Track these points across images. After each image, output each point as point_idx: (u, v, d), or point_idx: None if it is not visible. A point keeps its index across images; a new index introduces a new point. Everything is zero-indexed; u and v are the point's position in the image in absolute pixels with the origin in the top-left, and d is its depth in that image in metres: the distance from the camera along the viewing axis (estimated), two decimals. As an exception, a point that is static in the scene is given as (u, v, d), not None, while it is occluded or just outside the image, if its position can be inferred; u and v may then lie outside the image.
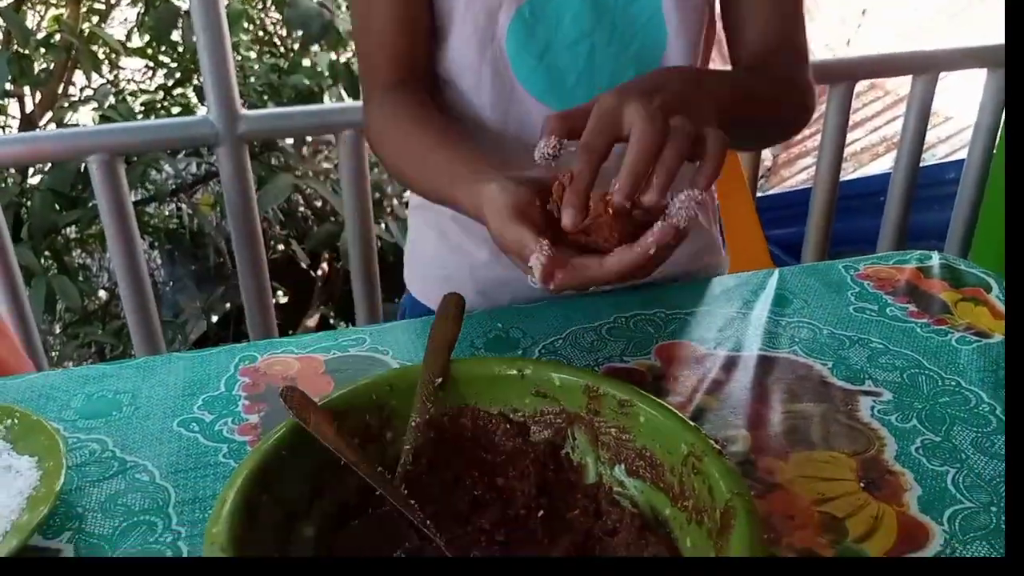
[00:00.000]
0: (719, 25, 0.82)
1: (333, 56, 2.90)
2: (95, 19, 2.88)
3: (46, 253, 2.58)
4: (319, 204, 3.39)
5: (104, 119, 2.54)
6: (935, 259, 0.89)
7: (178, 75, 2.98)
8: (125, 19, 3.14)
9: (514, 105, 0.78)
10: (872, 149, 3.70)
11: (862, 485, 0.58)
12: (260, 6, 3.14)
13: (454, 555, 0.49)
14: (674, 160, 0.53)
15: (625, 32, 0.75)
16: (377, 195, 2.97)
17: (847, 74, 1.56)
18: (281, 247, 3.31)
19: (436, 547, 0.49)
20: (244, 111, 1.32)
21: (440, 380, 0.56)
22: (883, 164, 3.57)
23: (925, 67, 1.58)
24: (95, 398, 0.67)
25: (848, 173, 3.37)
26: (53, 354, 2.94)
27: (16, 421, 0.60)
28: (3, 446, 0.58)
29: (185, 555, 0.53)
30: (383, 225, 2.94)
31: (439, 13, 0.77)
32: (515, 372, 0.57)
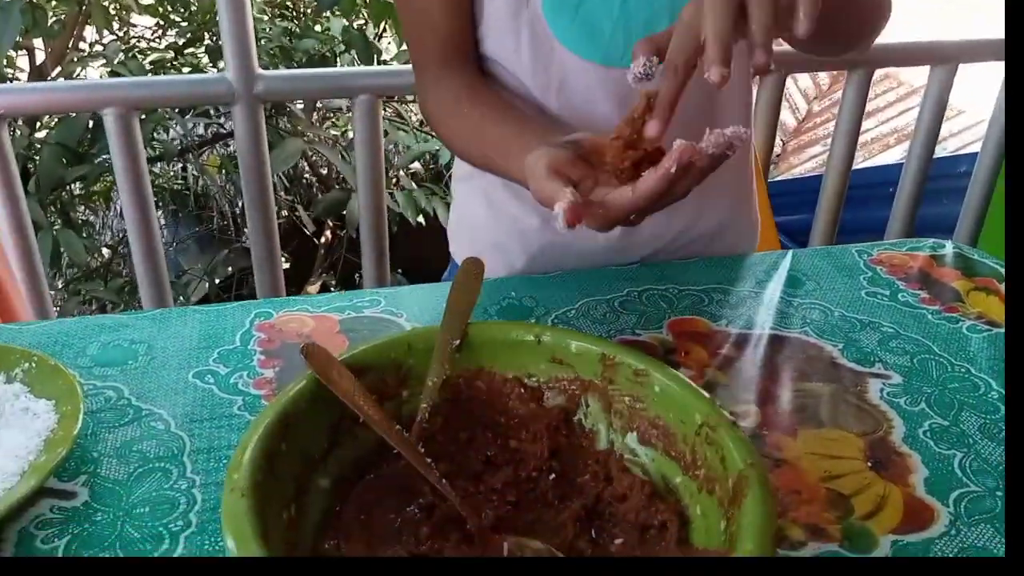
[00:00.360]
0: None
1: (345, 22, 2.88)
2: (107, -27, 2.86)
3: (52, 208, 2.57)
4: (324, 171, 3.38)
5: (114, 75, 2.52)
6: (948, 247, 0.89)
7: (189, 35, 2.96)
8: (137, -25, 3.11)
9: (554, 65, 0.78)
10: (883, 140, 3.68)
11: (869, 464, 0.59)
12: (275, -32, 3.12)
13: (466, 513, 0.49)
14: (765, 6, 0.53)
15: None
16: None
17: (865, 61, 1.55)
18: (285, 213, 3.31)
19: (449, 504, 0.49)
20: (261, 71, 1.31)
21: (458, 342, 0.56)
22: (892, 155, 3.56)
23: (945, 57, 1.57)
24: (111, 346, 0.68)
25: (857, 162, 3.36)
26: (55, 309, 2.94)
27: (34, 365, 0.60)
28: (21, 389, 0.59)
29: (199, 502, 0.53)
30: (389, 195, 2.93)
31: None
32: (532, 338, 0.57)
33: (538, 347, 0.57)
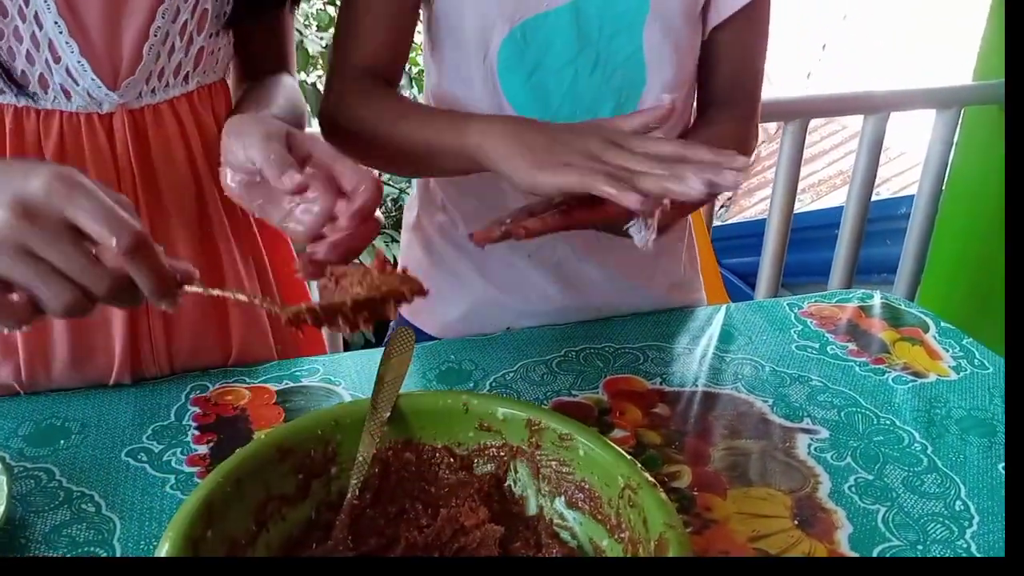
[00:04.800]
0: None
1: (303, 76, 2.91)
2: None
3: None
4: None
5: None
6: (876, 298, 0.92)
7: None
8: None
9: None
10: (830, 181, 3.79)
11: (796, 522, 0.60)
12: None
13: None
14: None
15: (607, 64, 0.78)
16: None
17: (801, 112, 1.61)
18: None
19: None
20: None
21: (387, 414, 0.57)
22: (840, 196, 3.66)
23: (876, 107, 1.63)
24: (44, 426, 0.67)
25: (805, 204, 3.45)
26: None
27: (-40, 450, 0.59)
28: (-54, 475, 0.58)
29: (127, 587, 0.53)
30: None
31: (436, 22, 0.79)
32: (460, 405, 0.58)
33: (466, 415, 0.58)
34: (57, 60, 0.65)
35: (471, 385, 0.75)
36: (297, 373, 0.76)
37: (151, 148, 0.70)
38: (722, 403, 0.73)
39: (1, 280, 0.44)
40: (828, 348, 0.82)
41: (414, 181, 1.38)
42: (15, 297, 0.45)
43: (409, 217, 0.95)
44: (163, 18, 0.67)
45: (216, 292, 0.50)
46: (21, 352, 0.70)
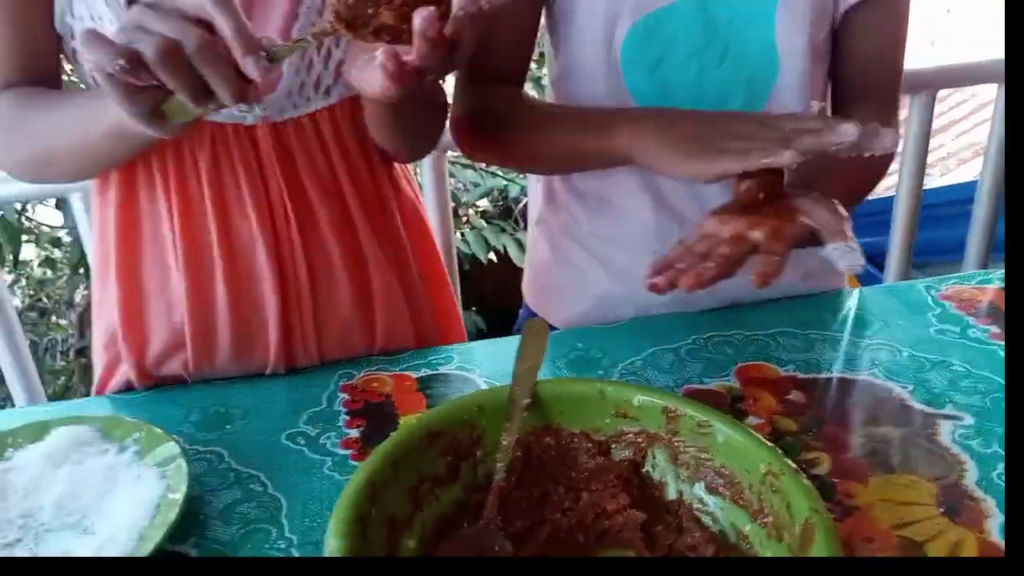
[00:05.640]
0: None
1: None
2: None
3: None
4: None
5: None
6: (1021, 279, 0.88)
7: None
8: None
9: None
10: (959, 154, 3.59)
11: (942, 511, 0.59)
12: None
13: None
14: None
15: (736, 56, 0.78)
16: (453, 204, 3.02)
17: (927, 83, 1.53)
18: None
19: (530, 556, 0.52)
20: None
21: (528, 401, 0.59)
22: (972, 169, 3.46)
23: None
24: (210, 412, 0.73)
25: (933, 180, 3.28)
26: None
27: (143, 435, 0.66)
28: (132, 458, 0.64)
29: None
30: (460, 234, 2.99)
31: (559, 18, 0.81)
32: (596, 393, 0.60)
33: (602, 402, 0.60)
34: None
35: (600, 373, 0.77)
36: (434, 361, 0.80)
37: (296, 159, 0.75)
38: (859, 389, 0.72)
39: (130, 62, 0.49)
40: (969, 331, 0.79)
41: (530, 177, 1.41)
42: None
43: (533, 214, 0.97)
44: (299, 33, 0.71)
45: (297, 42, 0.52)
46: (189, 346, 0.77)
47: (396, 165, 0.84)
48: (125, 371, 0.79)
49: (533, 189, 0.99)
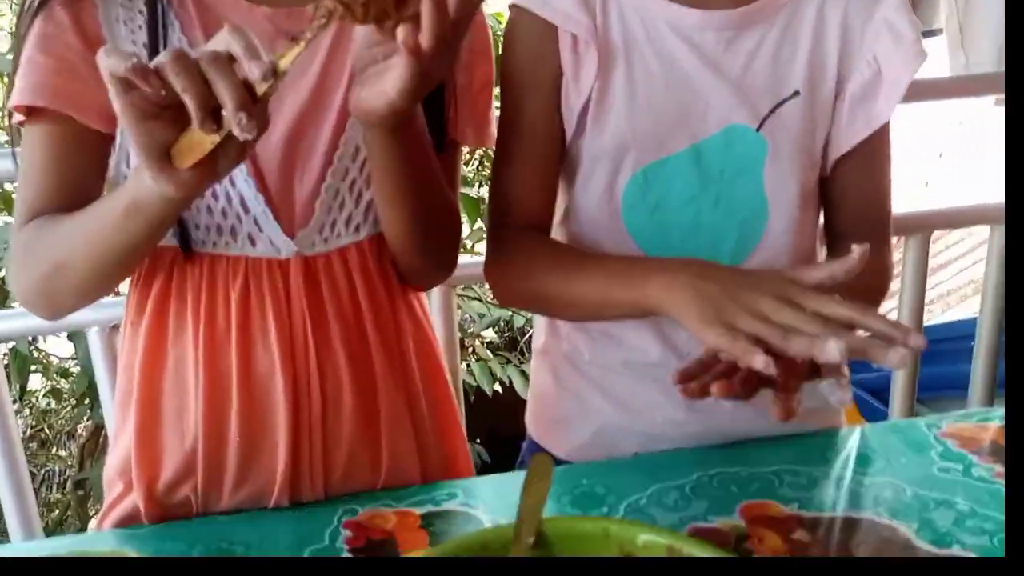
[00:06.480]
0: None
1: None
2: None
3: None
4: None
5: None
6: (1021, 417, 0.89)
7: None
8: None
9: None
10: (960, 291, 3.64)
11: (954, 656, 0.58)
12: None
13: None
14: None
15: (729, 202, 0.82)
16: (459, 336, 3.04)
17: (922, 225, 1.59)
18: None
19: None
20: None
21: (532, 540, 0.59)
22: (974, 305, 3.50)
23: (1001, 218, 1.60)
24: (213, 548, 0.73)
25: (935, 316, 3.31)
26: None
27: (145, 570, 0.65)
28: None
29: None
30: (465, 366, 3.00)
31: (572, 168, 0.86)
32: (600, 531, 0.60)
33: (606, 540, 0.60)
34: (247, 212, 0.75)
35: (605, 510, 0.76)
36: (438, 498, 0.80)
37: (322, 291, 0.78)
38: (864, 529, 0.72)
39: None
40: (973, 470, 0.79)
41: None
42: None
43: (537, 343, 1.00)
44: (332, 177, 0.76)
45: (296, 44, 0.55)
46: (200, 472, 0.78)
47: (414, 299, 0.87)
48: (132, 500, 0.79)
49: (538, 320, 1.02)
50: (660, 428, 0.88)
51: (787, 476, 0.80)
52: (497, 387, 2.83)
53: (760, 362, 0.58)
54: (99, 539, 0.78)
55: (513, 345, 3.24)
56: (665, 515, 0.75)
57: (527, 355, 2.99)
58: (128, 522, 0.81)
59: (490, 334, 3.35)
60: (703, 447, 0.86)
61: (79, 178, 0.74)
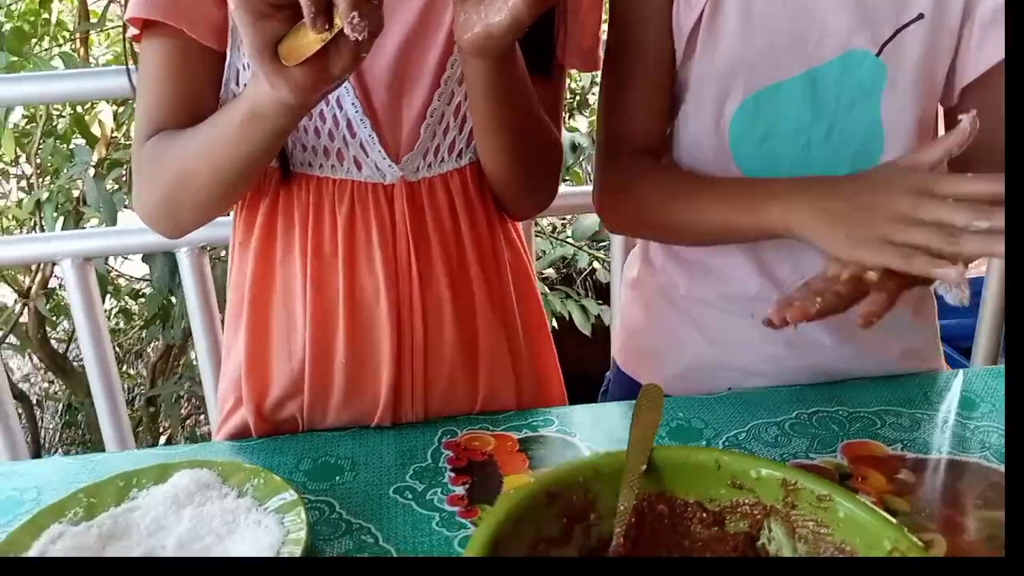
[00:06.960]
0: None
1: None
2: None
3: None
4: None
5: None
6: None
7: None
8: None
9: None
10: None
11: (1072, 601, 0.57)
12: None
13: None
14: None
15: (842, 133, 0.79)
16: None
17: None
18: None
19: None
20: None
21: (643, 467, 0.60)
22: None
23: None
24: (320, 463, 0.75)
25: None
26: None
27: (262, 481, 0.68)
28: (252, 503, 0.66)
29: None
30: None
31: (678, 95, 0.84)
32: (712, 462, 0.60)
33: (718, 472, 0.60)
34: (353, 135, 0.74)
35: (703, 443, 0.76)
36: (534, 423, 0.81)
37: (425, 217, 0.78)
38: (971, 472, 0.71)
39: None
40: (1085, 419, 0.77)
41: (614, 239, 1.43)
42: None
43: (629, 275, 0.99)
44: (439, 100, 0.75)
45: None
46: (306, 392, 0.80)
47: (512, 228, 0.87)
48: (243, 414, 0.82)
49: (632, 253, 1.00)
50: (756, 364, 0.88)
51: (889, 417, 0.79)
52: (554, 323, 2.85)
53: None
54: (214, 448, 0.81)
55: (570, 281, 3.24)
56: (765, 450, 0.75)
57: (583, 292, 2.99)
58: (240, 435, 0.84)
59: (549, 271, 3.36)
60: (800, 385, 0.85)
61: (195, 93, 0.74)
